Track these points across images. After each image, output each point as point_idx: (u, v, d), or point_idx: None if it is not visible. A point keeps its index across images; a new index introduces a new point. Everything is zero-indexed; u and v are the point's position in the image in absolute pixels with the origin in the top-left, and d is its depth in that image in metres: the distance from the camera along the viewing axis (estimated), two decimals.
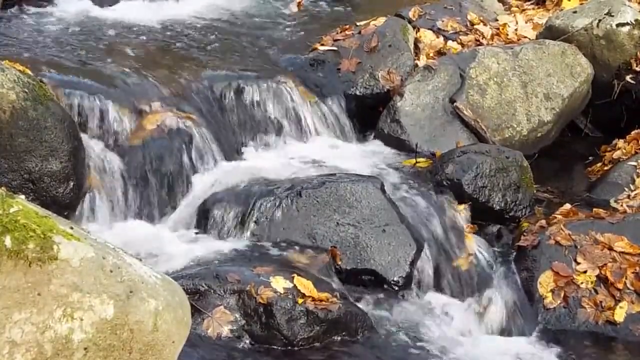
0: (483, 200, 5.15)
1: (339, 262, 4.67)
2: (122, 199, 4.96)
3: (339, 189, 4.85)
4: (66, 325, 2.93)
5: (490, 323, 4.68)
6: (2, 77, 4.62)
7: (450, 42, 6.25)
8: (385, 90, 5.87)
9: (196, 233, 4.83)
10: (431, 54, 6.15)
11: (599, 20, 6.14)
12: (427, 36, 6.25)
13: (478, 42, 6.30)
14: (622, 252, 4.80)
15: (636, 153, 5.78)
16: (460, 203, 5.08)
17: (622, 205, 5.31)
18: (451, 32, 6.33)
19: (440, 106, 5.77)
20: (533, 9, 6.97)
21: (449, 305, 4.73)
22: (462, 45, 6.25)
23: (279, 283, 4.31)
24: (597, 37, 6.16)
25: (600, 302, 4.69)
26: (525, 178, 5.31)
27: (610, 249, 4.82)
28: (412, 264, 4.74)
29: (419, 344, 4.45)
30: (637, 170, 5.57)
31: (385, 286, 4.69)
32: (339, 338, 4.36)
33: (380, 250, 4.72)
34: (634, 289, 4.72)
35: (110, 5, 6.73)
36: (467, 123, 5.72)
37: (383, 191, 4.90)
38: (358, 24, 6.29)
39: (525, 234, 4.99)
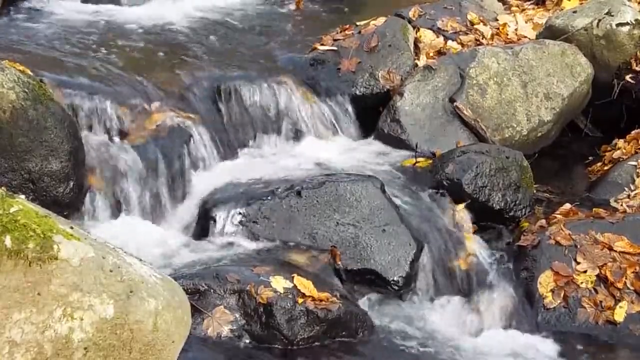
0: (483, 200, 5.15)
1: (339, 262, 4.67)
2: (122, 199, 4.96)
3: (339, 188, 4.85)
4: (66, 325, 2.93)
5: (490, 323, 4.68)
6: (2, 77, 4.62)
7: (450, 42, 6.25)
8: (385, 90, 5.87)
9: (196, 233, 4.83)
10: (431, 54, 6.15)
11: (599, 20, 6.14)
12: (427, 36, 6.25)
13: (478, 42, 6.30)
14: (622, 252, 4.80)
15: (636, 153, 5.78)
16: (460, 203, 5.08)
17: (622, 205, 5.31)
18: (451, 32, 6.33)
19: (440, 106, 5.77)
20: (533, 8, 6.97)
21: (449, 305, 4.73)
22: (462, 45, 6.24)
23: (279, 283, 4.31)
24: (597, 37, 6.16)
25: (600, 301, 4.69)
26: (525, 178, 5.31)
27: (610, 248, 4.82)
28: (412, 263, 4.74)
29: (418, 343, 4.45)
30: (637, 170, 5.57)
31: (385, 286, 4.69)
32: (339, 338, 4.36)
33: (380, 250, 4.72)
34: (633, 288, 4.72)
35: (110, 5, 6.73)
36: (467, 123, 5.72)
37: (383, 191, 4.90)
38: (358, 24, 6.29)
39: (525, 233, 4.99)
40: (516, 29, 6.54)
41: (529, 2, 7.08)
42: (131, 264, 3.08)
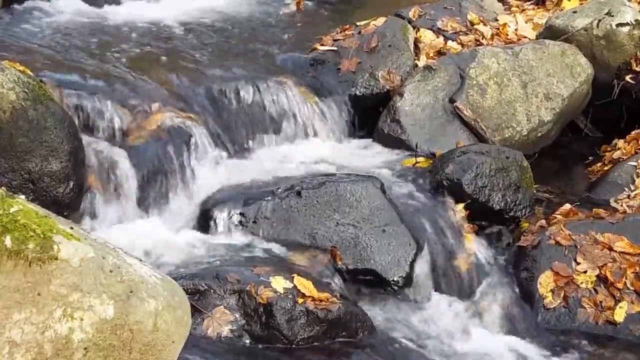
0: (483, 200, 5.15)
1: (339, 262, 4.67)
2: (122, 199, 4.96)
3: (339, 189, 4.85)
4: (66, 325, 2.93)
5: (490, 323, 4.68)
6: (2, 77, 4.62)
7: (450, 42, 6.25)
8: (385, 90, 5.87)
9: (196, 233, 4.83)
10: (431, 54, 6.15)
11: (599, 21, 6.14)
12: (427, 36, 6.25)
13: (478, 42, 6.30)
14: (622, 252, 4.81)
15: (636, 153, 5.78)
16: (460, 203, 5.08)
17: (622, 205, 5.31)
18: (451, 32, 6.33)
19: (440, 106, 5.77)
20: (533, 9, 6.97)
21: (449, 305, 4.73)
22: (462, 45, 6.24)
23: (279, 283, 4.31)
24: (597, 37, 6.16)
25: (600, 302, 4.70)
26: (525, 178, 5.31)
27: (610, 249, 4.82)
28: (412, 264, 4.74)
29: (418, 344, 4.45)
30: (637, 170, 5.57)
31: (385, 286, 4.69)
32: (339, 338, 4.36)
33: (380, 250, 4.72)
34: (633, 289, 4.72)
35: (110, 5, 6.73)
36: (467, 123, 5.72)
37: (383, 191, 4.90)
38: (358, 24, 6.29)
39: (525, 234, 4.99)
40: (516, 29, 6.54)
41: (529, 2, 7.08)
42: (131, 264, 3.08)
